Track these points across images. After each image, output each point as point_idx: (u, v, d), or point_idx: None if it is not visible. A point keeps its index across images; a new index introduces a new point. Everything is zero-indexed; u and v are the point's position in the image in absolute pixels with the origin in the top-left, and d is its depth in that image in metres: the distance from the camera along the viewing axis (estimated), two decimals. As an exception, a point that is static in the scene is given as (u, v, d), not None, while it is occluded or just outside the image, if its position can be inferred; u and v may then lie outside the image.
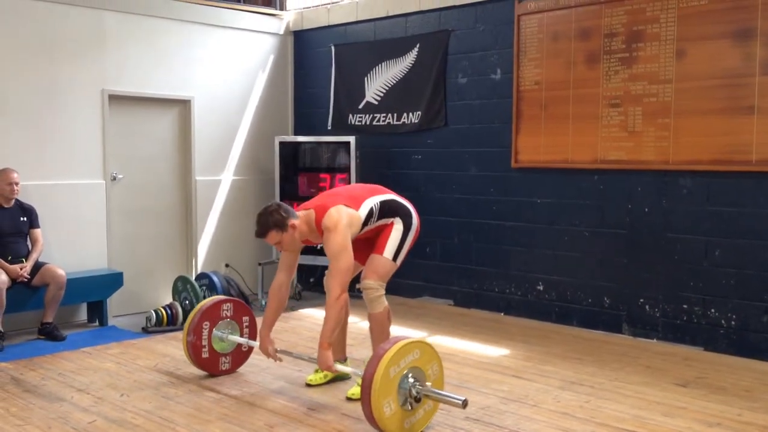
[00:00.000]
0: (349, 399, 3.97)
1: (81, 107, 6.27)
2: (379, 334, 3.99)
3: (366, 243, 4.07)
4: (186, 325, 4.35)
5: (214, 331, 4.38)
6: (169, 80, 6.82)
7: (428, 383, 3.52)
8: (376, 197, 4.06)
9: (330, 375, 4.20)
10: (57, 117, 6.13)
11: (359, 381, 3.89)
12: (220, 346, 4.40)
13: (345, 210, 3.88)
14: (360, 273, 4.10)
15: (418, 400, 3.47)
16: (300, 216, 3.95)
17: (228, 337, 4.42)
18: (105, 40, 6.38)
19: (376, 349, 3.49)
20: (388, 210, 4.05)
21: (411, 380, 3.46)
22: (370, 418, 3.36)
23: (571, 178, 5.78)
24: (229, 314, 4.43)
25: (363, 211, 3.96)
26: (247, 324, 4.51)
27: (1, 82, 5.82)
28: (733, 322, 5.02)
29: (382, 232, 4.04)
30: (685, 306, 5.23)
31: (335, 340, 4.05)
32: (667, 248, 5.30)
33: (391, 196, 4.14)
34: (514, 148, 6.05)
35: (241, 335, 4.47)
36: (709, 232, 5.11)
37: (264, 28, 7.56)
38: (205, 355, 4.36)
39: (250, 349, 4.54)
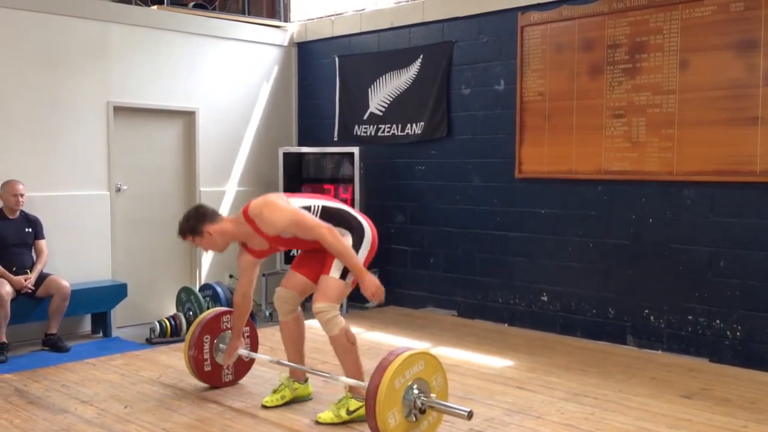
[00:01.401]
0: (318, 423, 3.81)
1: (86, 119, 6.29)
2: (343, 354, 3.83)
3: (314, 259, 3.94)
4: (187, 338, 4.35)
5: (216, 343, 4.37)
6: (174, 92, 6.85)
7: (432, 395, 3.51)
8: (320, 200, 3.95)
9: (288, 397, 4.08)
10: (62, 128, 6.16)
11: (333, 407, 3.83)
12: (222, 358, 4.39)
13: (271, 195, 3.90)
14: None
15: (422, 411, 3.46)
16: (229, 219, 3.98)
17: None
18: (110, 52, 6.41)
19: (381, 360, 3.45)
20: (330, 218, 3.84)
21: (416, 392, 3.44)
22: (375, 430, 3.35)
23: (574, 189, 5.78)
24: (229, 326, 4.42)
25: (296, 203, 3.84)
26: (248, 335, 4.50)
27: (6, 93, 5.86)
28: (738, 333, 5.00)
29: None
30: (690, 317, 5.21)
31: (294, 361, 4.11)
32: (672, 259, 5.29)
33: (341, 206, 3.99)
34: (518, 158, 6.06)
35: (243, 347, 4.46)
36: (713, 242, 5.10)
37: (268, 39, 7.59)
38: (207, 368, 4.36)
39: (252, 360, 4.53)
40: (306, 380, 4.18)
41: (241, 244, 4.05)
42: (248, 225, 3.86)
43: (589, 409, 4.02)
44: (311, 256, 3.98)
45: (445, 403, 3.54)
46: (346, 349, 3.81)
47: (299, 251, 4.23)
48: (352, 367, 3.84)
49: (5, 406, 4.08)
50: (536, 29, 5.90)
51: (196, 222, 3.90)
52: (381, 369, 3.37)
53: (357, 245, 3.83)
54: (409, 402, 3.43)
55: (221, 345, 4.37)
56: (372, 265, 6.94)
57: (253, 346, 4.52)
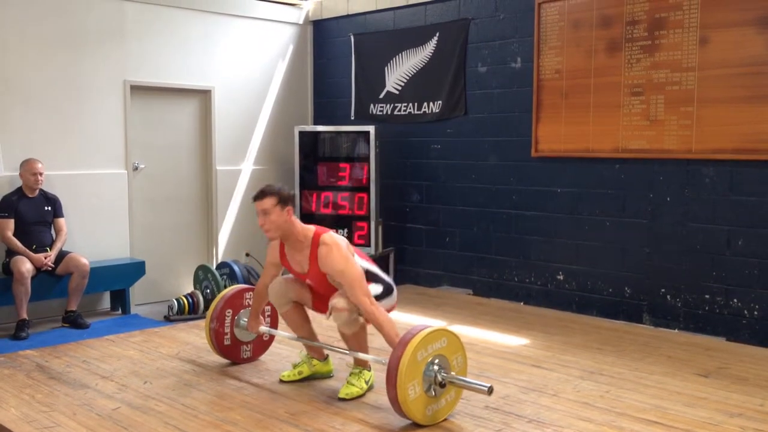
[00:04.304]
0: (342, 399, 3.85)
1: (103, 98, 6.32)
2: (354, 340, 3.88)
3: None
4: (209, 312, 4.40)
5: (237, 319, 4.42)
6: (190, 70, 6.86)
7: (452, 372, 3.54)
8: (364, 263, 3.91)
9: (305, 372, 4.13)
10: (80, 108, 6.19)
11: (350, 379, 3.90)
12: (242, 334, 4.44)
13: (346, 242, 3.84)
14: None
15: (442, 386, 3.48)
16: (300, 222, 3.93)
17: None
18: (126, 31, 6.42)
19: (404, 334, 3.46)
20: (369, 277, 3.85)
21: (436, 367, 3.47)
22: (395, 401, 3.38)
23: (592, 168, 5.74)
24: (251, 303, 4.45)
25: (360, 263, 3.84)
26: (269, 313, 4.54)
27: (25, 73, 5.89)
28: (755, 312, 4.97)
29: None
30: (707, 296, 5.19)
31: (308, 335, 4.13)
32: (689, 238, 5.26)
33: (375, 268, 3.99)
34: (535, 137, 6.03)
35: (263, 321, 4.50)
36: (731, 221, 5.06)
37: (283, 17, 7.57)
38: (227, 343, 4.40)
39: (272, 337, 4.57)
40: (326, 358, 4.23)
41: (281, 247, 4.00)
42: (309, 245, 3.82)
43: (604, 387, 4.03)
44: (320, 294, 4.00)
45: (466, 379, 3.57)
46: (358, 339, 3.88)
47: None
48: (361, 345, 3.91)
49: (27, 382, 4.15)
50: (553, 6, 5.84)
51: (288, 195, 3.83)
52: (404, 342, 3.41)
53: (384, 296, 3.88)
54: (429, 376, 3.45)
55: (242, 320, 4.41)
56: (388, 243, 7.00)
57: (273, 323, 4.56)
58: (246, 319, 4.37)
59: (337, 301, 3.72)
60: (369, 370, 3.97)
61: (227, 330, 4.39)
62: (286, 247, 3.94)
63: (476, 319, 5.61)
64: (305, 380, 4.14)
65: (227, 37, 7.12)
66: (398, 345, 3.42)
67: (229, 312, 4.39)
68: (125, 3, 6.40)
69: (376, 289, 3.84)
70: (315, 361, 4.17)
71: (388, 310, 3.90)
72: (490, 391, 3.44)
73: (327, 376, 4.21)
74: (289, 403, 3.81)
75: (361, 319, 3.80)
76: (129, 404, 3.79)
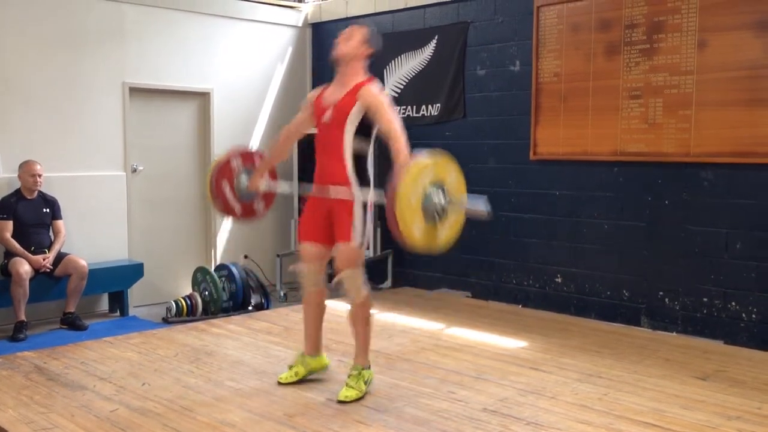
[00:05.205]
0: (342, 402, 3.82)
1: (102, 99, 6.33)
2: (361, 325, 3.92)
3: (319, 223, 3.94)
4: (209, 194, 4.37)
5: (236, 184, 4.37)
6: (189, 72, 6.86)
7: (449, 195, 3.50)
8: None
9: (301, 373, 4.12)
10: (79, 109, 6.20)
11: (349, 382, 3.89)
12: (246, 194, 4.40)
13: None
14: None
15: (443, 211, 3.47)
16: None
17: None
18: (126, 32, 6.43)
19: (391, 183, 3.39)
20: (362, 165, 3.91)
21: (433, 198, 3.44)
22: (403, 239, 3.40)
23: (590, 171, 5.75)
24: (240, 165, 4.38)
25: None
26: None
27: (24, 74, 5.89)
28: (753, 316, 4.98)
29: (341, 213, 3.83)
30: (705, 299, 5.20)
31: (311, 335, 4.14)
32: (688, 241, 5.27)
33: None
34: (533, 140, 6.03)
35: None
36: (730, 224, 5.07)
37: (283, 20, 7.58)
38: (239, 211, 4.41)
39: (275, 189, 4.53)
40: (318, 352, 4.19)
41: (322, 90, 4.00)
42: (357, 82, 3.84)
43: (603, 390, 4.04)
44: (314, 220, 3.98)
45: (462, 204, 3.56)
46: (365, 320, 3.92)
47: (300, 216, 4.20)
48: (364, 340, 3.94)
49: (25, 383, 4.15)
50: (552, 9, 5.86)
51: (377, 45, 3.94)
52: (392, 189, 3.34)
53: (364, 209, 3.88)
54: (429, 209, 3.43)
55: (242, 182, 4.35)
56: (386, 245, 7.00)
57: (271, 175, 4.51)
58: (245, 180, 4.33)
59: (343, 274, 3.83)
60: (368, 369, 3.97)
61: (232, 201, 4.36)
62: (330, 87, 3.95)
63: (474, 322, 5.61)
64: (303, 381, 4.13)
65: (226, 40, 7.13)
66: (388, 197, 3.36)
67: (225, 184, 4.33)
68: (125, 5, 6.40)
69: (357, 223, 3.82)
70: (308, 359, 4.15)
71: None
72: (489, 213, 3.44)
73: (323, 370, 4.21)
74: (286, 404, 3.81)
75: (368, 288, 3.87)
76: (127, 406, 3.78)
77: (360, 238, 3.84)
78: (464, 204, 3.57)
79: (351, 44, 3.88)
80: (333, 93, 3.93)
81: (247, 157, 4.45)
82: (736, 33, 4.95)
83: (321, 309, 4.14)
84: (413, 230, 3.38)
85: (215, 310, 6.26)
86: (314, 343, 4.17)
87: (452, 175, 3.58)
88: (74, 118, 6.18)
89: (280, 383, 4.12)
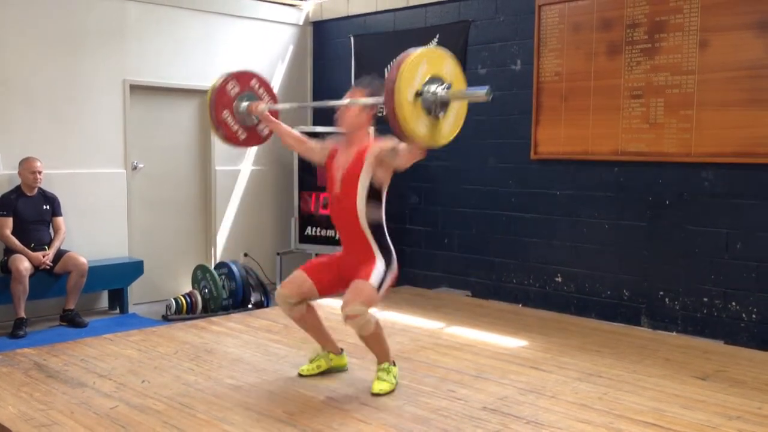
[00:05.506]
0: (375, 395, 3.87)
1: (103, 97, 6.32)
2: (374, 343, 3.90)
3: (331, 271, 3.94)
4: (211, 123, 4.35)
5: (235, 108, 4.35)
6: (190, 70, 6.86)
7: (448, 83, 3.45)
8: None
9: (323, 366, 4.17)
10: (79, 107, 6.19)
11: (380, 375, 3.93)
12: (248, 119, 4.38)
13: None
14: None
15: (445, 104, 3.44)
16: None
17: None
18: (126, 30, 6.43)
19: (386, 82, 3.33)
20: (380, 232, 3.88)
21: (431, 92, 3.39)
22: (408, 138, 3.39)
23: (590, 170, 5.75)
24: (237, 89, 4.36)
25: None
26: (258, 85, 4.46)
27: (25, 72, 5.89)
28: (754, 316, 4.98)
29: (364, 261, 3.83)
30: (705, 299, 5.20)
31: (320, 339, 4.15)
32: (688, 241, 5.26)
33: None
34: (534, 139, 6.03)
35: (259, 98, 4.42)
36: (730, 225, 5.07)
37: (283, 18, 7.58)
38: (242, 136, 4.38)
39: (274, 103, 4.52)
40: (341, 351, 4.26)
41: (333, 150, 3.98)
42: (365, 144, 3.84)
43: (602, 389, 4.03)
44: (328, 265, 4.00)
45: (463, 91, 3.52)
46: (376, 337, 3.88)
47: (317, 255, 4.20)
48: (381, 348, 3.94)
49: (25, 380, 4.14)
50: (554, 8, 5.85)
51: (376, 103, 3.81)
52: (388, 91, 3.30)
53: (387, 267, 3.87)
54: (429, 104, 3.39)
55: (242, 105, 4.33)
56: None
57: (270, 94, 4.51)
58: (245, 104, 4.32)
59: (348, 310, 3.71)
60: (394, 365, 4.00)
61: (235, 127, 4.34)
62: (339, 152, 3.94)
63: (475, 321, 5.61)
64: (303, 380, 4.14)
65: (227, 38, 7.12)
66: (386, 90, 3.31)
67: (225, 113, 4.31)
68: (126, 2, 6.40)
69: (379, 271, 3.80)
70: (332, 355, 4.21)
71: (393, 281, 3.92)
72: (489, 93, 3.36)
73: (343, 369, 4.25)
74: (287, 403, 3.81)
75: (374, 319, 3.81)
76: (127, 403, 3.78)
77: (378, 283, 3.77)
78: (464, 92, 3.51)
79: (351, 116, 3.85)
80: (343, 154, 3.92)
81: (242, 79, 4.39)
82: (737, 33, 4.95)
83: (311, 319, 4.13)
84: (416, 127, 3.34)
85: (215, 308, 6.26)
86: (330, 344, 4.21)
87: (448, 64, 3.52)
88: (75, 115, 6.17)
89: (301, 375, 4.17)
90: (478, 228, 6.52)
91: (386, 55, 7.06)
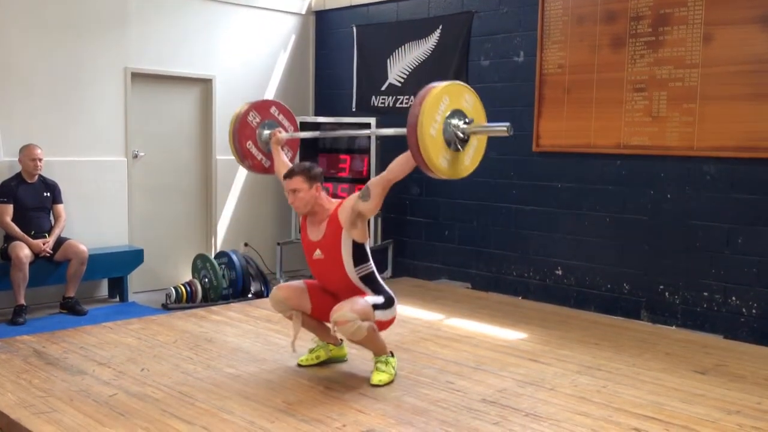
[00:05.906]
0: (375, 386, 3.87)
1: (104, 85, 6.30)
2: (369, 342, 3.87)
3: (332, 300, 3.91)
4: (235, 155, 4.45)
5: (258, 136, 4.44)
6: (191, 59, 6.84)
7: (468, 119, 3.53)
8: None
9: (322, 357, 4.17)
10: (80, 94, 6.18)
11: (379, 366, 3.92)
12: (266, 145, 4.47)
13: None
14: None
15: (465, 140, 3.52)
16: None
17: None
18: (128, 18, 6.40)
19: (408, 117, 3.43)
20: (373, 280, 3.90)
21: (453, 126, 3.47)
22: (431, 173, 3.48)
23: (593, 163, 5.74)
24: (258, 120, 4.46)
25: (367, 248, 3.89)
26: (277, 112, 4.55)
27: (26, 60, 5.87)
28: (754, 311, 4.98)
29: (361, 294, 3.85)
30: (705, 293, 5.19)
31: (322, 336, 4.16)
32: (689, 235, 5.25)
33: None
34: (536, 131, 6.01)
35: (279, 123, 4.53)
36: (732, 219, 5.06)
37: (286, 7, 7.55)
38: (267, 164, 4.49)
39: (295, 129, 4.63)
40: (341, 342, 4.25)
41: (303, 220, 4.04)
42: (330, 214, 3.87)
43: (602, 383, 4.03)
44: (329, 298, 3.97)
45: (484, 125, 3.62)
46: (370, 339, 3.85)
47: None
48: (376, 344, 3.91)
49: (24, 367, 4.14)
50: (557, 0, 5.82)
51: (317, 174, 3.88)
52: (411, 126, 3.38)
53: (386, 306, 3.88)
54: (450, 138, 3.47)
55: (264, 132, 4.44)
56: (387, 235, 7.00)
57: (291, 120, 4.62)
58: (267, 132, 4.44)
59: (338, 316, 3.70)
60: (392, 356, 4.00)
61: (259, 156, 4.45)
62: (308, 220, 3.99)
63: (474, 313, 5.60)
64: (303, 370, 4.14)
65: (229, 26, 7.10)
66: (409, 128, 3.38)
67: (249, 144, 4.41)
68: (127, -11, 6.38)
69: (377, 299, 3.85)
70: (331, 346, 4.22)
71: (389, 322, 3.93)
72: (509, 129, 3.47)
73: (342, 360, 4.25)
74: (286, 392, 3.81)
75: (366, 324, 3.76)
76: (126, 391, 3.78)
77: (374, 303, 3.79)
78: (485, 127, 3.60)
79: (300, 197, 3.85)
80: (313, 227, 3.94)
81: (261, 108, 4.48)
82: (741, 27, 4.93)
83: (306, 319, 4.09)
84: (439, 162, 3.42)
85: (215, 297, 6.26)
86: (329, 336, 4.19)
87: (468, 98, 3.59)
88: (76, 103, 6.16)
89: (300, 365, 4.17)
90: (478, 220, 6.51)
91: (389, 45, 7.04)
